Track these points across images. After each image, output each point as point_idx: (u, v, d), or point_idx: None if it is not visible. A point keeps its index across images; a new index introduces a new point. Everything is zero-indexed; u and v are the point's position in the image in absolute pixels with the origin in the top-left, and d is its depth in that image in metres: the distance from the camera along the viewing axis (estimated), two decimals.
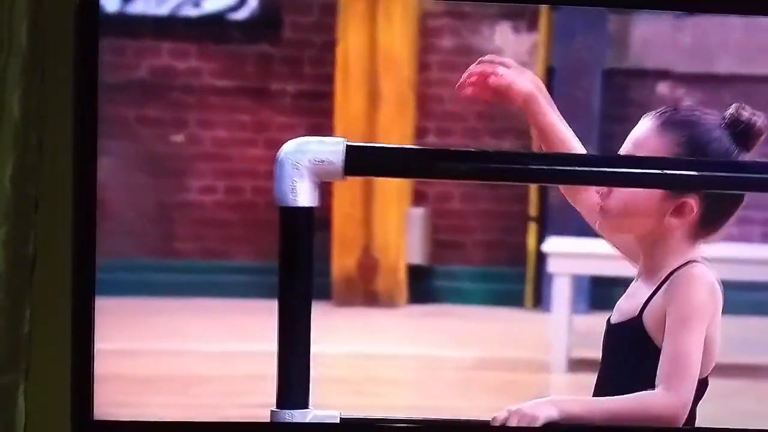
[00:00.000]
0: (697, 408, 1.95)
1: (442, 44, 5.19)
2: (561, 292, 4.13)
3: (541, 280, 4.83)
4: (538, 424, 1.83)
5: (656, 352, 1.87)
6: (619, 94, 5.27)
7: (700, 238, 1.93)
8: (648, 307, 1.91)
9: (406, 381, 3.91)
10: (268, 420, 1.87)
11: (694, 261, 1.91)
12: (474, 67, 2.00)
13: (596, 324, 2.06)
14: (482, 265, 5.12)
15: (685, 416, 1.86)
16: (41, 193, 1.89)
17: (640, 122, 1.94)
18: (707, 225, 1.92)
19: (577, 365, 3.91)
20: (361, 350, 3.99)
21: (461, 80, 2.01)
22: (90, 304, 1.88)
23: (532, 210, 5.08)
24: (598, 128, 5.05)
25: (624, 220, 1.93)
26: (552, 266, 4.25)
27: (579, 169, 1.95)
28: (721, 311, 1.91)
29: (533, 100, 2.00)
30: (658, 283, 1.91)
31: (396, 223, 5.05)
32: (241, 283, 3.74)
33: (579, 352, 3.93)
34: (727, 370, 3.96)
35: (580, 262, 3.90)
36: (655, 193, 1.91)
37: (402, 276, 5.03)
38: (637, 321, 1.91)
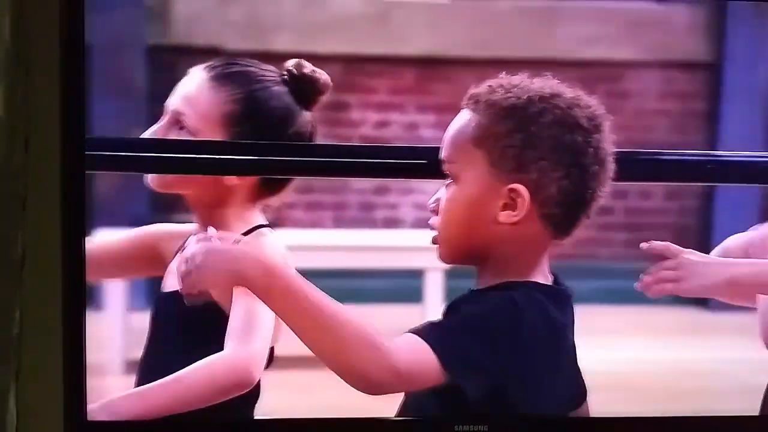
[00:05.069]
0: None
1: None
2: (114, 287, 3.68)
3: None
4: None
5: (223, 318, 1.81)
6: (166, 73, 4.90)
7: (260, 201, 1.90)
8: None
9: None
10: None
11: (261, 226, 1.87)
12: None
13: None
14: None
15: (256, 377, 1.78)
16: (29, 192, 1.89)
17: (190, 74, 1.90)
18: (266, 187, 1.89)
19: (136, 367, 3.48)
20: None
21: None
22: (81, 303, 1.88)
23: None
24: (147, 109, 4.65)
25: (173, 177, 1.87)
26: None
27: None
28: None
29: None
30: None
31: None
32: None
33: (139, 352, 3.47)
34: None
35: None
36: None
37: None
38: None
